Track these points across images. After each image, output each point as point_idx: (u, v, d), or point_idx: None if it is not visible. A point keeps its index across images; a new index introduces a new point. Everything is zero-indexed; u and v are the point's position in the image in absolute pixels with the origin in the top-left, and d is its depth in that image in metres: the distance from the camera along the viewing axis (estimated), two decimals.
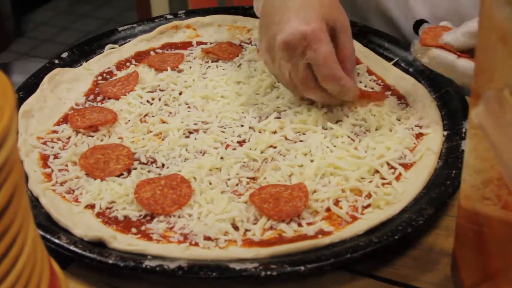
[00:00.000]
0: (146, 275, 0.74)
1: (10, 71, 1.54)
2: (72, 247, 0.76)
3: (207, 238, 0.78)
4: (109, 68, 1.13)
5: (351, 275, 0.77)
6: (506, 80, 0.55)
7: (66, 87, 1.06)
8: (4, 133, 0.45)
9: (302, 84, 0.94)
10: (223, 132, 0.96)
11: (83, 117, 0.99)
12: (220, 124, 0.98)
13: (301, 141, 0.94)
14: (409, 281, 0.76)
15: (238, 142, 0.95)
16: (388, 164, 0.89)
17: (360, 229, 0.78)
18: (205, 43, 1.20)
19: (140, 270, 0.73)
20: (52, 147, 0.94)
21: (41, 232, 0.77)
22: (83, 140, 0.96)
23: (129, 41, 1.19)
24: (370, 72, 1.10)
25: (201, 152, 0.93)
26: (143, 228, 0.80)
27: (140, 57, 1.16)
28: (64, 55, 1.13)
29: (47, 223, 0.80)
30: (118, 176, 0.89)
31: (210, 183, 0.87)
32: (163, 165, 0.91)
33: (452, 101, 0.98)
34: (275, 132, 0.96)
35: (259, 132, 0.96)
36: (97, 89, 1.08)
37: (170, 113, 1.01)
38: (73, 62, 1.12)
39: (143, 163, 0.91)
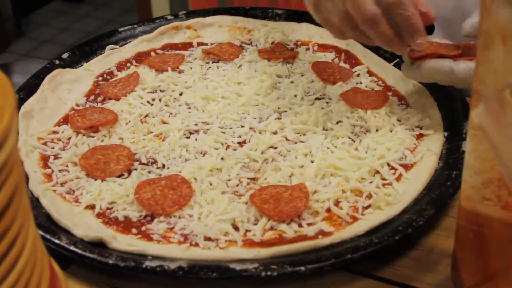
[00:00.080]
0: (146, 276, 0.74)
1: (10, 71, 1.54)
2: (72, 248, 0.76)
3: (208, 239, 0.78)
4: (109, 68, 1.13)
5: (351, 276, 0.77)
6: (507, 80, 0.55)
7: (66, 87, 1.07)
8: (5, 133, 0.45)
9: (357, 9, 0.87)
10: (224, 132, 0.96)
11: (83, 117, 0.99)
12: (221, 125, 0.98)
13: (301, 141, 0.94)
14: (409, 282, 0.76)
15: (238, 142, 0.95)
16: (388, 164, 0.89)
17: (360, 230, 0.78)
18: (206, 44, 1.20)
19: (141, 271, 0.73)
20: (53, 148, 0.94)
21: (42, 233, 0.77)
22: (83, 140, 0.96)
23: (130, 41, 1.19)
24: (370, 73, 1.10)
25: (201, 153, 0.93)
26: (143, 228, 0.80)
27: (140, 57, 1.16)
28: (65, 55, 1.13)
29: (47, 224, 0.80)
30: (119, 176, 0.89)
31: (211, 184, 0.87)
32: (163, 166, 0.91)
33: (453, 102, 0.98)
34: (275, 133, 0.96)
35: (260, 132, 0.96)
36: (97, 89, 1.08)
37: (171, 113, 1.01)
38: (73, 62, 1.12)
39: (144, 164, 0.91)
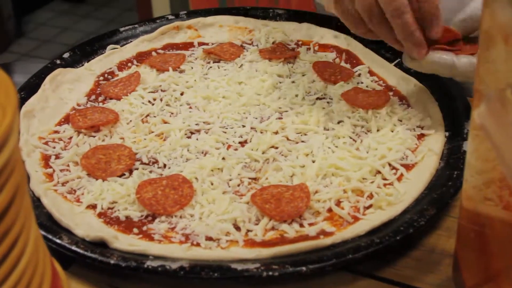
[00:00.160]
0: (147, 275, 0.74)
1: (11, 71, 1.54)
2: (73, 247, 0.76)
3: (209, 239, 0.78)
4: (110, 68, 1.13)
5: (352, 276, 0.77)
6: (508, 80, 0.55)
7: (67, 87, 1.07)
8: (6, 133, 0.45)
9: (367, 11, 0.89)
10: (225, 132, 0.96)
11: (84, 117, 0.99)
12: (222, 125, 0.98)
13: (302, 141, 0.94)
14: (410, 282, 0.76)
15: (239, 142, 0.95)
16: (389, 164, 0.89)
17: (361, 230, 0.78)
18: (207, 44, 1.20)
19: (142, 270, 0.73)
20: (54, 147, 0.94)
21: (43, 232, 0.77)
22: (84, 140, 0.96)
23: (131, 41, 1.19)
24: (371, 73, 1.10)
25: (202, 153, 0.93)
26: (144, 228, 0.80)
27: (141, 57, 1.16)
28: (66, 55, 1.13)
29: (48, 223, 0.80)
30: (120, 176, 0.89)
31: (212, 184, 0.87)
32: (164, 166, 0.91)
33: (454, 102, 0.98)
34: (276, 133, 0.96)
35: (261, 132, 0.96)
36: (98, 89, 1.08)
37: (172, 113, 1.01)
38: (74, 62, 1.12)
39: (145, 164, 0.91)
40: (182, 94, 1.06)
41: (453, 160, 0.88)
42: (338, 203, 0.84)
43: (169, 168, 0.90)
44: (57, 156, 0.93)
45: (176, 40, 1.20)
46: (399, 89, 1.05)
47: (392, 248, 0.76)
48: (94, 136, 0.96)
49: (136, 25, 1.22)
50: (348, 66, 1.12)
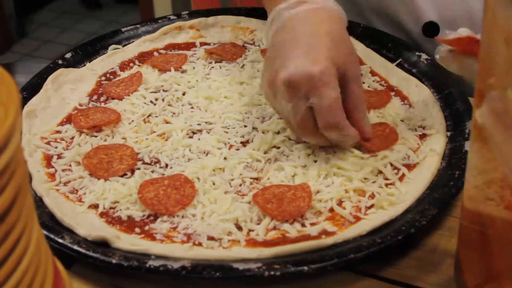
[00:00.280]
0: (149, 275, 0.74)
1: (13, 71, 1.54)
2: (75, 247, 0.76)
3: (211, 238, 0.78)
4: (112, 68, 1.13)
5: (354, 275, 0.77)
6: (510, 80, 0.55)
7: (69, 87, 1.07)
8: (9, 133, 0.45)
9: (300, 128, 0.87)
10: (227, 132, 0.96)
11: (86, 117, 0.99)
12: (224, 125, 0.98)
13: (304, 141, 0.94)
14: (412, 282, 0.76)
15: (241, 142, 0.95)
16: (391, 164, 0.89)
17: (363, 230, 0.78)
18: (209, 44, 1.20)
19: (144, 270, 0.73)
20: (56, 147, 0.94)
21: (45, 232, 0.77)
22: (86, 140, 0.96)
23: (133, 41, 1.19)
24: (373, 73, 1.10)
25: (204, 153, 0.93)
26: (146, 228, 0.80)
27: (143, 57, 1.16)
28: (68, 55, 1.13)
29: (50, 223, 0.80)
30: (122, 176, 0.89)
31: (214, 183, 0.87)
32: (166, 165, 0.91)
33: (456, 102, 0.98)
34: (278, 133, 0.96)
35: (263, 132, 0.96)
36: (100, 89, 1.08)
37: (174, 113, 1.01)
38: (76, 62, 1.12)
39: (147, 163, 0.91)
40: (184, 94, 1.06)
41: (454, 160, 0.88)
42: (339, 203, 0.84)
43: (171, 168, 0.90)
44: (59, 156, 0.93)
45: (178, 40, 1.20)
46: (400, 89, 1.05)
47: (393, 248, 0.76)
48: (96, 136, 0.97)
49: (138, 25, 1.22)
50: None
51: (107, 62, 1.14)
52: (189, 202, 0.83)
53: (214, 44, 1.20)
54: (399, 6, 1.20)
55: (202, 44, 1.20)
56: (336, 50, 0.85)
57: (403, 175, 0.88)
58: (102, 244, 0.77)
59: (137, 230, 0.80)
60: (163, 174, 0.89)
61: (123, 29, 1.20)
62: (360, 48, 1.14)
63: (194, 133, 0.97)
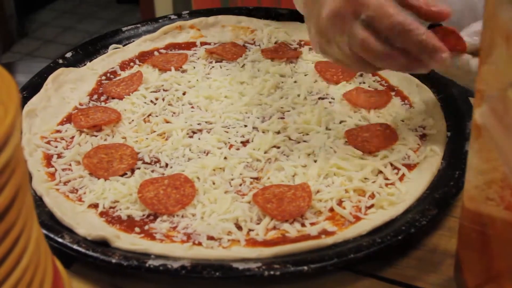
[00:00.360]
0: (149, 275, 0.74)
1: (14, 70, 1.55)
2: (75, 246, 0.76)
3: (211, 238, 0.78)
4: (113, 68, 1.13)
5: (354, 275, 0.77)
6: (510, 80, 0.55)
7: (70, 86, 1.07)
8: (8, 132, 0.45)
9: (366, 51, 0.80)
10: (227, 132, 0.96)
11: (86, 116, 0.99)
12: (224, 124, 0.98)
13: (304, 141, 0.94)
14: (412, 282, 0.76)
15: (241, 142, 0.95)
16: (391, 164, 0.89)
17: (363, 229, 0.78)
18: (209, 44, 1.20)
19: (144, 270, 0.73)
20: (56, 147, 0.94)
21: (45, 231, 0.77)
22: (86, 139, 0.96)
23: (133, 41, 1.19)
24: (373, 73, 1.09)
25: (204, 152, 0.93)
26: (146, 227, 0.80)
27: (144, 57, 1.16)
28: (68, 55, 1.13)
29: (50, 222, 0.80)
30: (122, 175, 0.89)
31: (214, 183, 0.87)
32: (166, 165, 0.91)
33: (456, 102, 0.98)
34: (278, 133, 0.96)
35: (263, 132, 0.96)
36: (101, 89, 1.08)
37: (174, 113, 1.01)
38: (77, 62, 1.13)
39: (147, 163, 0.91)
40: (184, 93, 1.06)
41: (455, 160, 0.88)
42: (339, 202, 0.84)
43: (171, 167, 0.90)
44: (59, 156, 0.93)
45: (178, 39, 1.20)
46: (401, 89, 1.05)
47: (393, 248, 0.76)
48: (96, 136, 0.97)
49: (139, 25, 1.22)
50: None
51: (107, 61, 1.14)
52: (189, 201, 0.83)
53: (215, 43, 1.20)
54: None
55: (202, 43, 1.20)
56: None
57: (403, 175, 0.88)
58: (102, 244, 0.77)
59: (137, 229, 0.80)
60: (163, 174, 0.89)
61: (124, 29, 1.21)
62: None
63: (194, 132, 0.97)
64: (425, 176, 0.86)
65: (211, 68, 1.12)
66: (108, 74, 1.11)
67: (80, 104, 1.04)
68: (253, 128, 0.97)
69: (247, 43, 1.20)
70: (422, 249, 0.80)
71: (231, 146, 0.94)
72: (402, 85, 1.05)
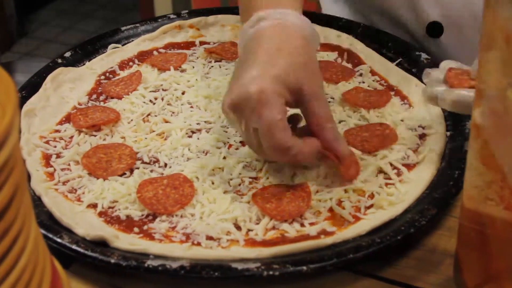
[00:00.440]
0: (148, 275, 0.74)
1: (13, 70, 1.54)
2: (74, 246, 0.76)
3: (210, 238, 0.78)
4: (112, 67, 1.13)
5: (353, 276, 0.77)
6: (509, 80, 0.55)
7: (69, 86, 1.07)
8: (6, 132, 0.45)
9: (255, 148, 0.83)
10: (226, 132, 0.96)
11: (85, 116, 0.99)
12: (223, 124, 0.98)
13: None
14: (411, 282, 0.76)
15: (240, 142, 0.94)
16: (391, 164, 0.89)
17: (362, 230, 0.78)
18: (208, 43, 1.20)
19: (142, 270, 0.73)
20: (55, 146, 0.94)
21: (43, 231, 0.77)
22: (85, 139, 0.96)
23: (132, 40, 1.19)
24: (373, 73, 1.09)
25: (203, 152, 0.93)
26: (145, 227, 0.80)
27: (143, 56, 1.16)
28: (67, 54, 1.13)
29: (49, 222, 0.80)
30: (121, 175, 0.89)
31: (213, 183, 0.87)
32: (165, 165, 0.91)
33: None
34: None
35: None
36: (100, 88, 1.08)
37: (173, 112, 1.01)
38: (76, 61, 1.12)
39: (146, 163, 0.91)
40: (183, 93, 1.06)
41: (454, 160, 0.88)
42: (339, 202, 0.83)
43: (170, 167, 0.90)
44: (58, 155, 0.93)
45: (177, 39, 1.20)
46: (400, 89, 1.05)
47: (393, 248, 0.76)
48: (95, 135, 0.96)
49: (138, 24, 1.22)
50: (349, 65, 1.12)
51: (106, 61, 1.14)
52: (188, 201, 0.83)
53: (214, 43, 1.20)
54: (403, 7, 1.20)
55: (201, 43, 1.19)
56: (288, 67, 0.80)
57: (403, 174, 0.87)
58: (101, 244, 0.77)
59: (136, 229, 0.80)
60: (162, 174, 0.89)
61: (123, 28, 1.20)
62: (360, 48, 1.14)
63: (193, 132, 0.97)
64: (425, 176, 0.86)
65: (210, 68, 1.12)
66: (107, 74, 1.11)
67: (79, 104, 1.04)
68: None
69: None
70: (421, 249, 0.80)
71: (230, 146, 0.94)
72: (402, 85, 1.05)
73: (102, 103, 1.04)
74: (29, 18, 3.81)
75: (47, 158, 0.92)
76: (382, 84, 1.07)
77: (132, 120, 0.99)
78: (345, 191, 0.84)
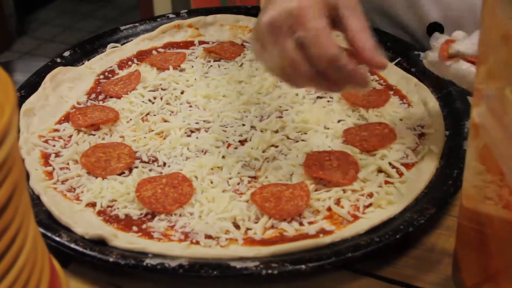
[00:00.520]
0: (147, 274, 0.74)
1: (12, 69, 1.54)
2: (73, 245, 0.76)
3: (208, 237, 0.78)
4: (111, 67, 1.13)
5: (352, 274, 0.77)
6: (508, 79, 0.55)
7: (68, 85, 1.07)
8: (4, 131, 0.45)
9: (293, 72, 0.79)
10: (225, 131, 0.96)
11: (84, 115, 0.99)
12: (222, 123, 0.98)
13: (302, 140, 0.94)
14: (410, 281, 0.76)
15: (239, 141, 0.95)
16: (390, 164, 0.89)
17: (361, 228, 0.78)
18: (207, 43, 1.20)
19: (141, 269, 0.73)
20: (54, 146, 0.94)
21: (42, 230, 0.77)
22: (84, 138, 0.96)
23: (131, 40, 1.19)
24: (372, 72, 1.09)
25: (202, 151, 0.93)
26: (144, 226, 0.80)
27: (142, 56, 1.16)
28: (66, 53, 1.13)
29: (48, 221, 0.80)
30: (120, 174, 0.89)
31: (212, 182, 0.87)
32: (164, 164, 0.91)
33: (454, 101, 0.98)
34: (276, 131, 0.96)
35: (261, 131, 0.96)
36: (99, 87, 1.08)
37: (172, 112, 1.01)
38: (75, 61, 1.12)
39: (145, 162, 0.91)
40: (182, 92, 1.06)
41: (453, 159, 0.88)
42: (337, 201, 0.83)
43: (169, 166, 0.90)
44: (57, 154, 0.93)
45: (176, 38, 1.20)
46: (399, 88, 1.05)
47: (392, 247, 0.76)
48: (94, 135, 0.97)
49: (137, 24, 1.22)
50: None
51: (105, 60, 1.14)
52: (187, 200, 0.83)
53: (213, 42, 1.20)
54: (403, 7, 1.20)
55: (200, 42, 1.20)
56: None
57: (402, 174, 0.87)
58: (100, 243, 0.77)
59: (135, 228, 0.80)
60: (161, 173, 0.89)
61: (122, 28, 1.20)
62: None
63: (192, 131, 0.97)
64: (424, 175, 0.86)
65: (209, 67, 1.12)
66: (106, 73, 1.11)
67: (78, 103, 1.04)
68: (251, 127, 0.97)
69: (246, 42, 1.20)
70: (420, 248, 0.80)
71: (229, 145, 0.94)
72: (401, 84, 1.05)
73: (101, 103, 1.04)
74: (28, 18, 3.80)
75: (46, 157, 0.92)
76: (381, 84, 1.07)
77: (131, 119, 0.99)
78: (344, 190, 0.84)
